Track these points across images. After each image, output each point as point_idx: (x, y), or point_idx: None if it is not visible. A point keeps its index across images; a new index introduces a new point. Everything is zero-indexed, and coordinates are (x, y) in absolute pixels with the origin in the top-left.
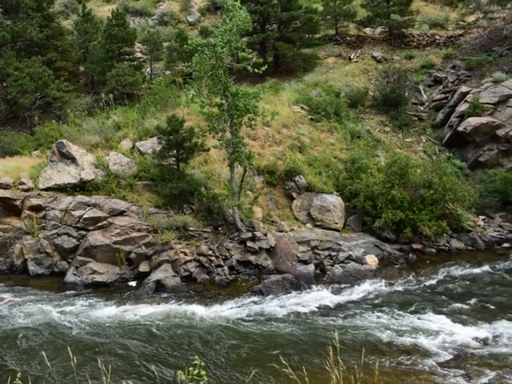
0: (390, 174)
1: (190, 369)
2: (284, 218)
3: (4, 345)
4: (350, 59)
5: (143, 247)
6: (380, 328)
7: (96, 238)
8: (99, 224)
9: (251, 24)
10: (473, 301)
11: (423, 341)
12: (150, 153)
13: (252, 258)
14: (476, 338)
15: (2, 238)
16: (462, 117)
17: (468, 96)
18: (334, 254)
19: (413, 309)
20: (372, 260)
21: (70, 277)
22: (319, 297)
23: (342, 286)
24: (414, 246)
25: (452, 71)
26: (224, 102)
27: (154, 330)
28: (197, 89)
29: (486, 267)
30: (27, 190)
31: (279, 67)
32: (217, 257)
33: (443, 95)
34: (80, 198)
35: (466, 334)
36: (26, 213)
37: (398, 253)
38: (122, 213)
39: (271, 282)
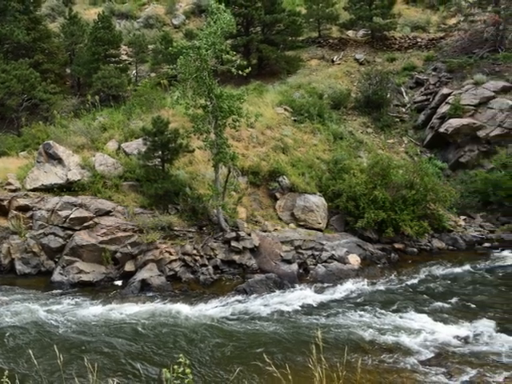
0: (373, 175)
1: (175, 367)
2: (268, 217)
3: None
4: (332, 61)
5: (129, 247)
6: (362, 327)
7: (82, 237)
8: (85, 224)
9: (235, 27)
10: (454, 300)
11: (405, 339)
12: (136, 154)
13: (236, 257)
14: (457, 337)
15: None
16: (444, 118)
17: (449, 98)
18: (316, 253)
19: (395, 308)
20: (354, 259)
21: (56, 276)
22: (302, 296)
23: (325, 285)
24: (396, 245)
25: (433, 73)
26: (208, 103)
27: (140, 329)
28: (182, 91)
29: (467, 267)
30: (14, 191)
31: (263, 69)
32: (201, 256)
33: (425, 97)
34: (66, 198)
35: (447, 333)
36: (13, 213)
37: (380, 252)
38: (107, 213)
39: (255, 281)
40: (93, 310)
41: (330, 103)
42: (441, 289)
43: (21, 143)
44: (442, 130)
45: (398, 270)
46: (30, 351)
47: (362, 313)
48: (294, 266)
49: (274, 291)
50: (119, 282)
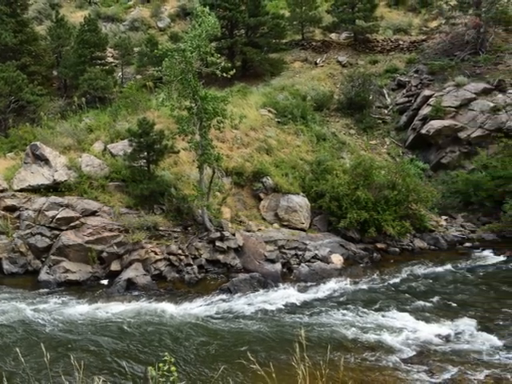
0: (355, 176)
1: (161, 365)
2: (252, 218)
3: None
4: (315, 64)
5: (115, 246)
6: (345, 325)
7: (69, 237)
8: (72, 224)
9: (220, 29)
10: (435, 299)
11: (387, 338)
12: (122, 155)
13: (220, 257)
14: (438, 335)
15: None
16: (425, 120)
17: (431, 99)
18: (300, 253)
19: (377, 306)
20: (337, 259)
21: (43, 275)
22: (286, 295)
23: (308, 284)
24: (378, 245)
25: (415, 75)
26: (193, 105)
27: (125, 327)
28: (167, 92)
29: (449, 266)
30: (2, 191)
31: (247, 71)
32: (186, 256)
33: (407, 99)
34: (53, 198)
35: (429, 331)
36: (0, 213)
37: (363, 252)
38: (94, 213)
39: (239, 280)
40: (79, 309)
41: (313, 105)
42: (422, 288)
43: (8, 144)
44: (423, 131)
45: (380, 269)
46: (18, 349)
47: (345, 312)
48: (278, 266)
49: (258, 290)
50: (105, 281)
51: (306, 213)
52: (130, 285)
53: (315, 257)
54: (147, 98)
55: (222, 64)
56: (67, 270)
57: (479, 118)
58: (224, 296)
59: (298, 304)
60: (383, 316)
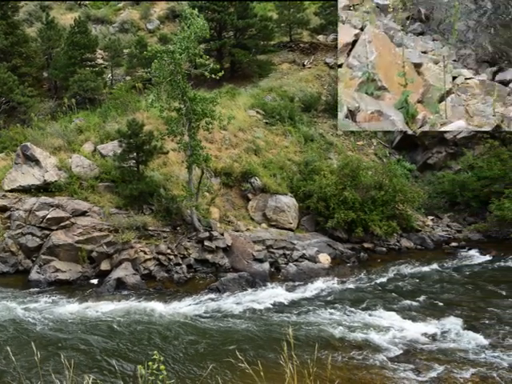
0: (342, 176)
1: (150, 363)
2: (240, 218)
3: None
4: (303, 65)
5: (104, 246)
6: (332, 324)
7: (59, 237)
8: (62, 224)
9: (208, 31)
10: (422, 298)
11: (374, 336)
12: (111, 155)
13: (209, 256)
14: (425, 334)
15: None
16: None
17: None
18: (288, 252)
19: (364, 305)
20: (325, 258)
21: (34, 275)
22: (274, 294)
23: (296, 283)
24: (366, 245)
25: None
26: (182, 106)
27: (115, 326)
28: (156, 94)
29: (435, 265)
30: None
31: (235, 73)
32: (175, 255)
33: None
34: (43, 198)
35: (416, 330)
36: None
37: (350, 252)
38: (84, 213)
39: (228, 279)
40: (69, 308)
41: (301, 106)
42: (409, 287)
43: None
44: (410, 132)
45: (367, 268)
46: (8, 348)
47: (332, 311)
48: (266, 265)
49: (247, 289)
50: (95, 281)
51: (294, 213)
52: (120, 284)
53: (303, 256)
54: (137, 99)
55: (211, 65)
56: (57, 270)
57: None
58: (213, 295)
59: (286, 303)
60: (370, 315)
